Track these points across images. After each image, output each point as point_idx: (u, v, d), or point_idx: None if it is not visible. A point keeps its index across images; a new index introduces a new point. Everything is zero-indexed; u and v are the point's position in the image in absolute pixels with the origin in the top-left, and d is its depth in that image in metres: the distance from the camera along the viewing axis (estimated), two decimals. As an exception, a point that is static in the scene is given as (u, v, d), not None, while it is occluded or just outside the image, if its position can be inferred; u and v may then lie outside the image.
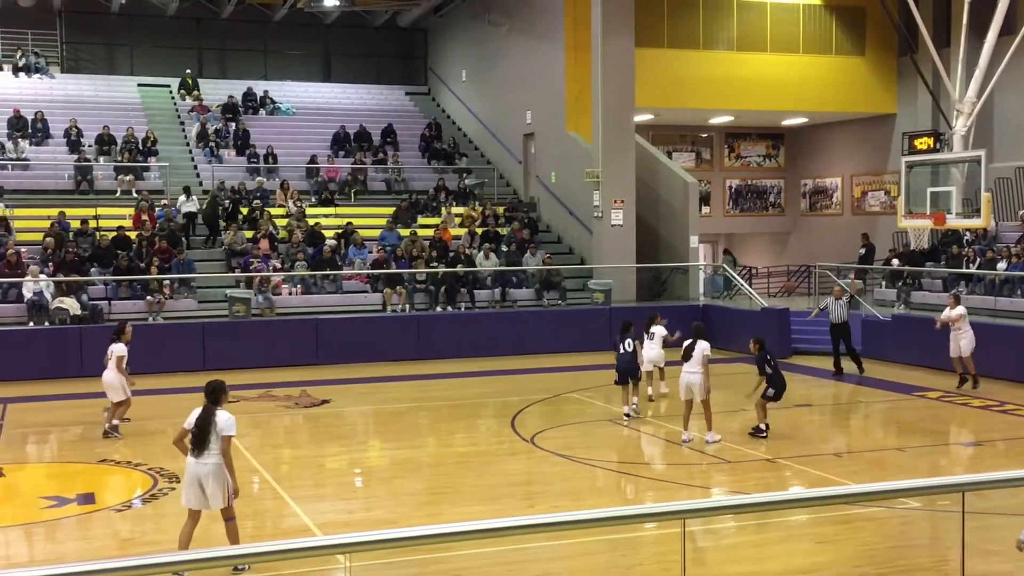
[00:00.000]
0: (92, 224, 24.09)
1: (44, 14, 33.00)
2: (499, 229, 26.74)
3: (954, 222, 21.52)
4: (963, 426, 15.76)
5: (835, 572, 9.14)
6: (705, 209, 32.95)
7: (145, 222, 23.98)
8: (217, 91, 32.58)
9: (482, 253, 24.92)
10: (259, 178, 27.93)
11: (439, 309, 23.53)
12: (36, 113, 28.32)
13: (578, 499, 11.48)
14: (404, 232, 25.72)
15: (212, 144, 29.10)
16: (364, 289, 23.93)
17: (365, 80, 35.79)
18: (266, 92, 32.72)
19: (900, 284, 24.41)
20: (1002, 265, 22.66)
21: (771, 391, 14.22)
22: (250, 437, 14.81)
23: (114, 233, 23.26)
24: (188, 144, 29.80)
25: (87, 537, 10.44)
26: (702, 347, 13.86)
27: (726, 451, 13.61)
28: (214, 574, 8.76)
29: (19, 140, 27.31)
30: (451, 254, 24.84)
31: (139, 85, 32.53)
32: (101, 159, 27.47)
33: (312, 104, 33.39)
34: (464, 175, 30.36)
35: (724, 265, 27.89)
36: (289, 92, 33.62)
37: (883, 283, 25.63)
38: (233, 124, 30.21)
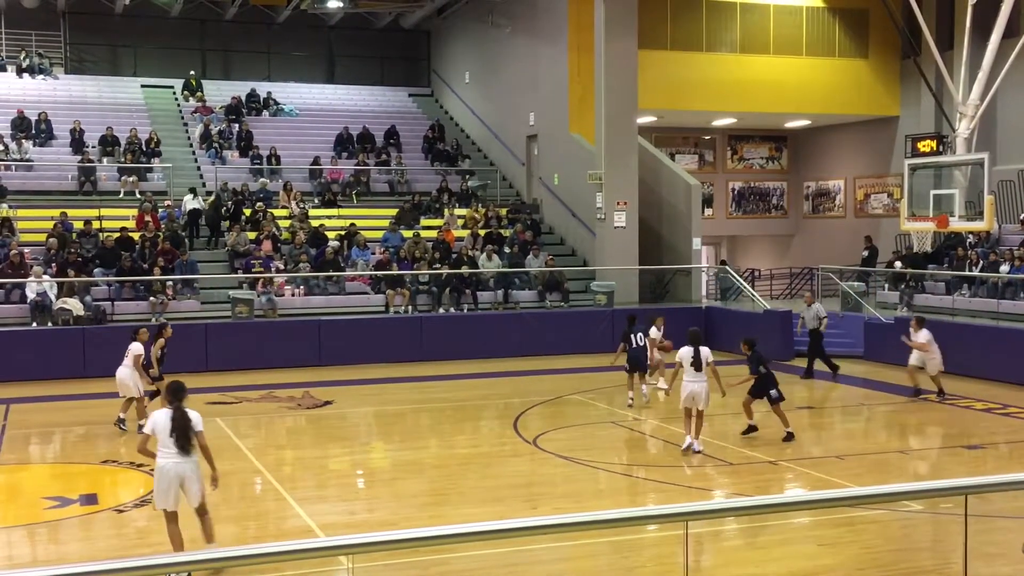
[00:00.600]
0: (95, 225, 24.14)
1: (48, 15, 33.04)
2: (502, 231, 26.75)
3: (957, 225, 21.50)
4: (965, 429, 15.73)
5: (837, 575, 9.14)
6: (708, 211, 32.93)
7: (148, 223, 24.02)
8: (220, 92, 32.63)
9: (485, 255, 24.92)
10: (262, 179, 27.97)
11: (442, 311, 23.54)
12: (40, 114, 28.34)
13: (580, 501, 11.49)
14: (407, 233, 25.75)
15: (215, 145, 29.13)
16: (367, 290, 23.94)
17: (368, 82, 35.81)
18: (269, 93, 32.74)
19: (903, 287, 24.41)
20: (1004, 268, 22.65)
21: (774, 392, 14.14)
22: (252, 438, 14.84)
23: (117, 234, 23.29)
24: (191, 145, 29.82)
25: (90, 538, 10.46)
26: (706, 354, 13.45)
27: (728, 454, 13.61)
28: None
29: (23, 141, 27.34)
30: (454, 256, 24.85)
31: (143, 86, 32.54)
32: (104, 160, 27.50)
33: (315, 105, 33.42)
34: (467, 177, 30.37)
35: (727, 267, 27.85)
36: (292, 93, 33.64)
37: (886, 286, 25.62)
38: (236, 125, 30.24)
